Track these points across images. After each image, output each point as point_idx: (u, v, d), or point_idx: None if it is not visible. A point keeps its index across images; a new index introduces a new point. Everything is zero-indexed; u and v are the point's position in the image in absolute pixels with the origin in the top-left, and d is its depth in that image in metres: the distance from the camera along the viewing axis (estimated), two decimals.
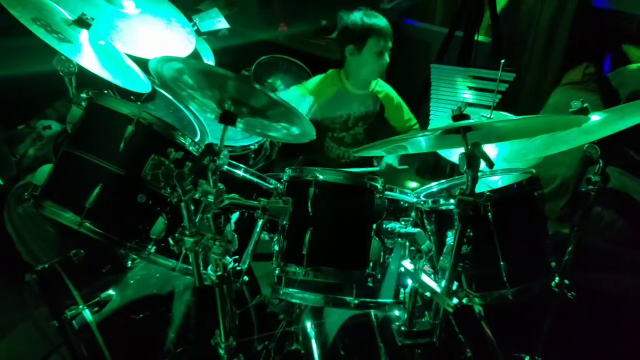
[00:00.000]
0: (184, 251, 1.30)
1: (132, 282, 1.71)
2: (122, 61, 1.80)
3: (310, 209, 1.47)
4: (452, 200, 1.53)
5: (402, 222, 1.57)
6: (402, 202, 1.63)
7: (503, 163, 1.77)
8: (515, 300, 1.51)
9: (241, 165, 1.61)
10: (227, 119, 1.42)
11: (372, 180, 1.52)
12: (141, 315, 1.68)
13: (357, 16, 2.31)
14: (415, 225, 1.61)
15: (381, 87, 2.50)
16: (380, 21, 2.30)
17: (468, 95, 2.58)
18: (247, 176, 1.62)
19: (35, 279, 1.67)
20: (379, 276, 1.51)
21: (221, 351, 1.46)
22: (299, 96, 2.38)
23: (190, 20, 2.32)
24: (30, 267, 1.69)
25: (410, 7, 3.74)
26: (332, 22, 2.45)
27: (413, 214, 1.63)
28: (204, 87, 1.46)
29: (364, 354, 1.69)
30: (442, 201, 1.59)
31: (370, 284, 1.49)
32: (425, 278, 1.44)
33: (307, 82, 2.46)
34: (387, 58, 2.33)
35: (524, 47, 3.56)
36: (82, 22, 1.68)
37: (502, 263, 1.50)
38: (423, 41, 3.61)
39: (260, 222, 1.59)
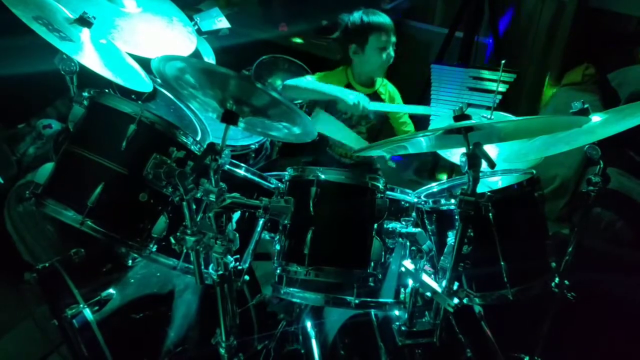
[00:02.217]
0: (185, 250, 1.31)
1: (132, 281, 1.71)
2: (124, 60, 1.80)
3: (312, 209, 1.47)
4: (452, 201, 1.54)
5: (403, 222, 1.57)
6: (403, 202, 1.63)
7: (503, 164, 1.77)
8: (516, 300, 1.51)
9: (242, 164, 1.61)
10: (229, 118, 1.42)
11: (373, 180, 1.53)
12: (141, 315, 1.68)
13: (357, 16, 2.31)
14: (416, 225, 1.61)
15: (385, 86, 2.50)
16: (381, 17, 2.29)
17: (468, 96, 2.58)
18: (249, 175, 1.62)
19: (35, 277, 1.67)
20: (380, 276, 1.51)
21: (222, 350, 1.46)
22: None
23: (191, 19, 2.32)
24: (31, 266, 1.69)
25: (411, 8, 3.74)
26: (333, 22, 2.45)
27: (414, 214, 1.63)
28: (205, 86, 1.46)
29: (364, 354, 1.69)
30: (443, 201, 1.59)
31: (371, 284, 1.49)
32: (425, 278, 1.44)
33: (319, 74, 2.45)
34: (392, 52, 2.33)
35: (524, 47, 3.56)
36: (83, 21, 1.69)
37: (502, 263, 1.50)
38: (423, 41, 3.61)
39: (261, 222, 1.59)
